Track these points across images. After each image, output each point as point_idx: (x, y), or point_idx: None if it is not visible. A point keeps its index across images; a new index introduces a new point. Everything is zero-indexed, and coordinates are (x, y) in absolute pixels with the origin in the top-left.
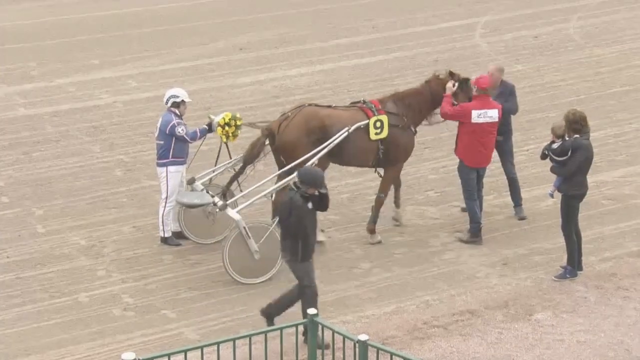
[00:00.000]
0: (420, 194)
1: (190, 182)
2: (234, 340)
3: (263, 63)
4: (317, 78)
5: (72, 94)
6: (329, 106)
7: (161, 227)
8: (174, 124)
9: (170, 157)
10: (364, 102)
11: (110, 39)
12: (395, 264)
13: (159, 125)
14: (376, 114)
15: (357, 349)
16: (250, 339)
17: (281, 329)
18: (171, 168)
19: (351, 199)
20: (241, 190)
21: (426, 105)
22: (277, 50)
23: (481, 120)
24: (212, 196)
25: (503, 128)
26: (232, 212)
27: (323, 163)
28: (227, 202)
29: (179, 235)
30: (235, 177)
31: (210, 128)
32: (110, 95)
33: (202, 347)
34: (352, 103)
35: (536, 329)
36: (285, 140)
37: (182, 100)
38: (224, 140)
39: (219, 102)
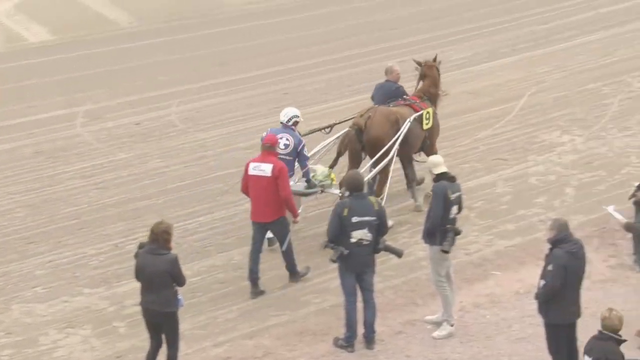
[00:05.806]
0: (27, 291)
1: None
2: None
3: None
4: None
5: None
6: (388, 105)
7: None
8: (304, 144)
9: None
10: (405, 99)
11: None
12: None
13: (290, 143)
14: (421, 107)
15: None
16: None
17: None
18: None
19: None
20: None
21: (437, 87)
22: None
23: (255, 173)
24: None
25: None
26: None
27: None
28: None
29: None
30: (331, 167)
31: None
32: None
33: None
34: (390, 100)
35: None
36: (374, 135)
37: (299, 121)
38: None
39: None
